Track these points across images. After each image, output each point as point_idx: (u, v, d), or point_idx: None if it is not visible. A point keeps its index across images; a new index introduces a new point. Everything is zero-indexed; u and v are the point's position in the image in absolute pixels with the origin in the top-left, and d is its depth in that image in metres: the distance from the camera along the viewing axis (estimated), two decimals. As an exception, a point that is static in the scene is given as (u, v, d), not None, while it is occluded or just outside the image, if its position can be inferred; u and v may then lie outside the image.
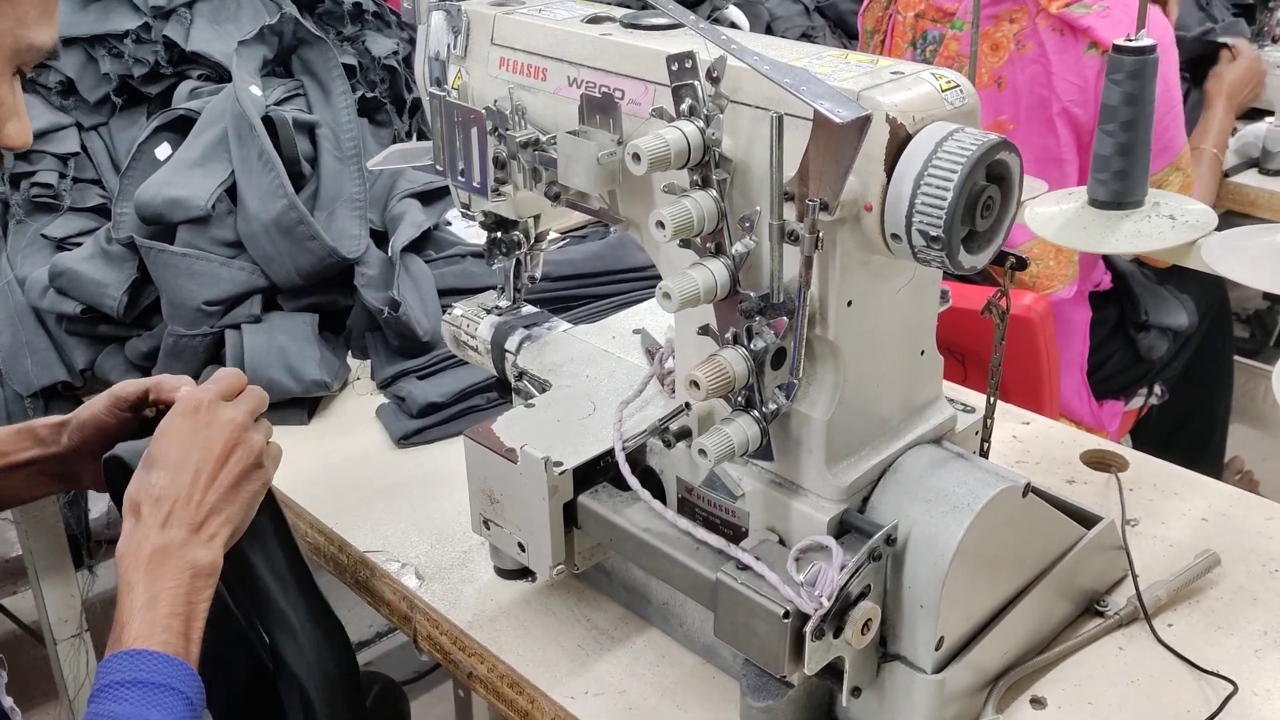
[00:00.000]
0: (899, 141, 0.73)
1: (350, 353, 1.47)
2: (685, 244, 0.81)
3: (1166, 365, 2.11)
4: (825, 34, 2.73)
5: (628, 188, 0.88)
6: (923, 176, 0.71)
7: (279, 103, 1.58)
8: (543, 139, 0.91)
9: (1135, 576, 1.04)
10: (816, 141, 0.71)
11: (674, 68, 0.78)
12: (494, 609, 1.06)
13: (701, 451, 0.80)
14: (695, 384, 0.79)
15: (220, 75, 1.71)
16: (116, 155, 1.64)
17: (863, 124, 0.69)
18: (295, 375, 1.34)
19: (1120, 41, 1.07)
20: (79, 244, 1.51)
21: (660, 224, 0.77)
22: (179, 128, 1.56)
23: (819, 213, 0.73)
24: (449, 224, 1.63)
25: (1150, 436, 2.34)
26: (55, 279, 1.42)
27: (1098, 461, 1.25)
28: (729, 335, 0.82)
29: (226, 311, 1.39)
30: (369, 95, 1.74)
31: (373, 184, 1.60)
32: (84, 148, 1.66)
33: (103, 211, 1.60)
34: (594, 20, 0.92)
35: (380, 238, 1.55)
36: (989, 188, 0.73)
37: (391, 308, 1.38)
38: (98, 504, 2.70)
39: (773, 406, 0.81)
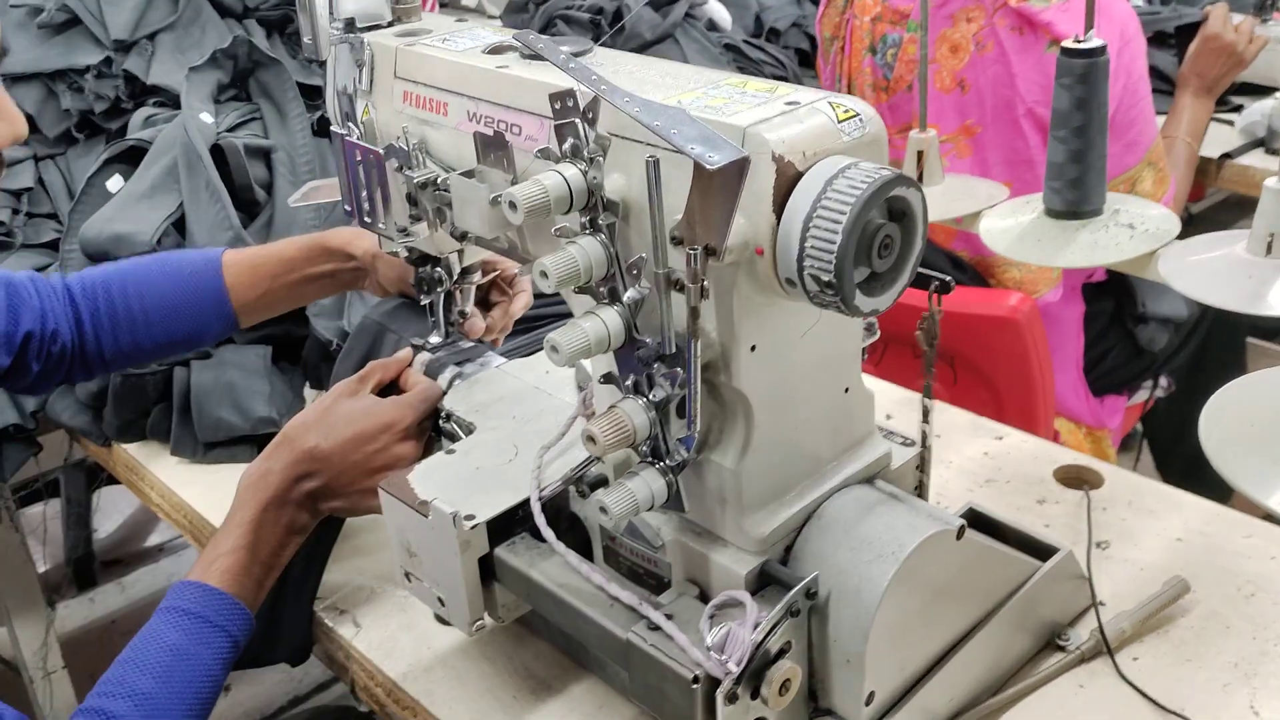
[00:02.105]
0: (788, 180, 0.68)
1: (307, 384, 1.44)
2: (583, 290, 0.77)
3: (1171, 356, 2.04)
4: (815, 22, 2.66)
5: (529, 227, 0.84)
6: (811, 217, 0.67)
7: (234, 128, 1.55)
8: (441, 180, 0.87)
9: (1098, 607, 0.99)
10: (698, 185, 0.67)
11: (556, 106, 0.73)
12: (430, 658, 1.02)
13: (602, 509, 0.76)
14: (592, 439, 0.75)
15: (179, 104, 1.69)
16: (74, 187, 1.62)
17: (740, 167, 0.64)
18: (243, 413, 1.31)
19: (1068, 44, 1.01)
20: (31, 282, 1.49)
21: (544, 274, 0.72)
22: (132, 158, 1.54)
23: (708, 259, 0.68)
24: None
25: (1161, 430, 2.27)
26: (1, 321, 1.40)
27: (1071, 478, 1.20)
28: (630, 384, 0.77)
29: (175, 348, 1.37)
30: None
31: (334, 208, 1.57)
32: (40, 181, 1.64)
33: (57, 247, 1.57)
34: (495, 50, 0.88)
35: (340, 262, 1.51)
36: (886, 226, 0.68)
37: (341, 339, 1.35)
38: (104, 524, 2.72)
39: (678, 458, 0.77)
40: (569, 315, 1.48)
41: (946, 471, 1.22)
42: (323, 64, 1.87)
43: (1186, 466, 2.06)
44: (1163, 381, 2.07)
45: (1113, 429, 1.97)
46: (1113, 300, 1.93)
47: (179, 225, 1.42)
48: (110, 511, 2.71)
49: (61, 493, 2.47)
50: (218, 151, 1.46)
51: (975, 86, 1.60)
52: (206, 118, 1.50)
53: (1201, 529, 1.11)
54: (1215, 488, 1.15)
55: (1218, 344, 2.14)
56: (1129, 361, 1.98)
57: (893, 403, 1.31)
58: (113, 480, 2.42)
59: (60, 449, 1.70)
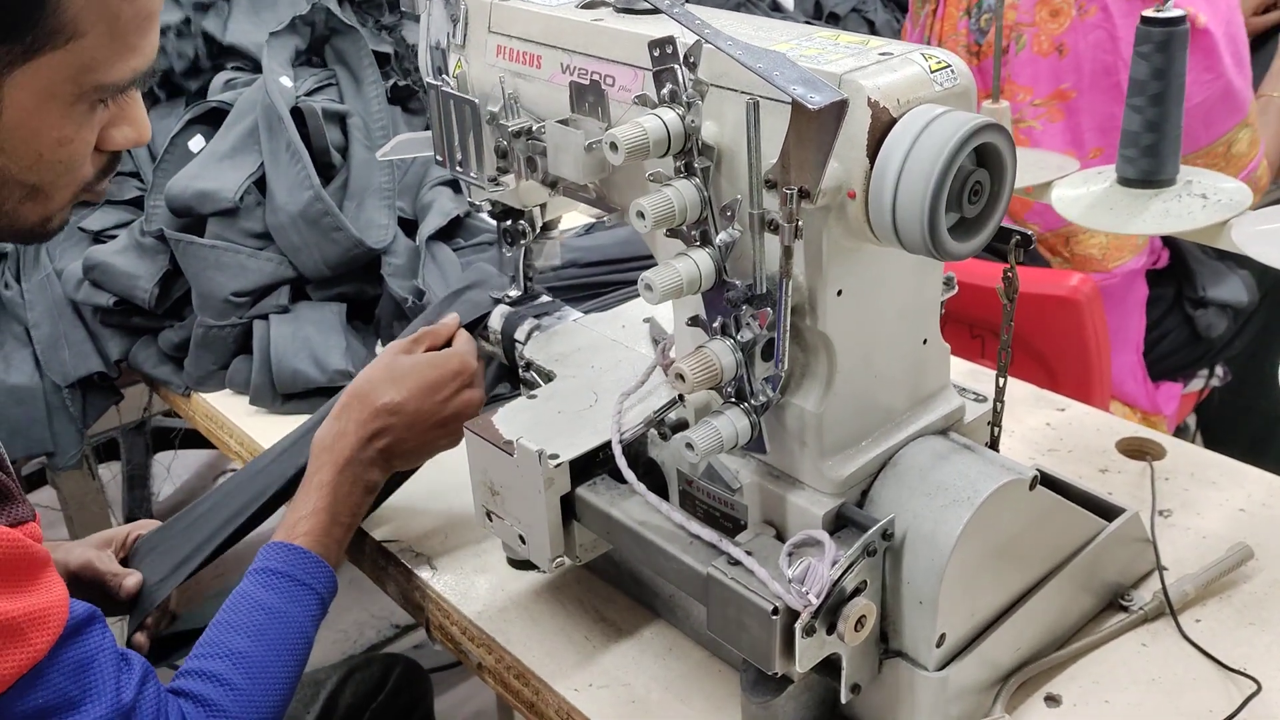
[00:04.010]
0: (882, 126, 0.70)
1: (380, 341, 1.48)
2: (673, 233, 0.80)
3: (1228, 344, 2.03)
4: (877, 6, 2.67)
5: (620, 176, 0.87)
6: (906, 161, 0.69)
7: (311, 93, 1.59)
8: (535, 128, 0.89)
9: (1162, 570, 1.00)
10: (795, 128, 0.69)
11: (655, 53, 0.76)
12: (504, 600, 1.05)
13: (689, 445, 0.78)
14: (681, 376, 0.78)
15: (257, 67, 1.73)
16: (155, 147, 1.66)
17: (839, 109, 0.66)
18: (320, 365, 1.35)
19: (1148, 12, 1.02)
20: (115, 236, 1.54)
21: (640, 214, 0.75)
22: (213, 119, 1.58)
23: (801, 201, 0.71)
24: (481, 211, 1.63)
25: (1216, 420, 2.26)
26: (89, 272, 1.45)
27: (1134, 450, 1.21)
28: (717, 325, 0.80)
29: (255, 302, 1.41)
30: (401, 84, 1.74)
31: (405, 172, 1.61)
32: (123, 141, 1.69)
33: (139, 204, 1.62)
34: (589, 5, 0.91)
35: (412, 226, 1.55)
36: (976, 172, 0.70)
37: (416, 297, 1.38)
38: (164, 488, 2.78)
39: (763, 399, 0.79)
40: (630, 283, 1.51)
41: (1009, 440, 1.24)
42: (390, 29, 1.92)
43: (1242, 456, 2.06)
44: (1219, 371, 2.06)
45: (1168, 415, 1.97)
46: (1173, 286, 1.93)
47: (259, 184, 1.45)
48: (167, 477, 2.77)
49: (122, 455, 2.53)
50: (296, 114, 1.50)
51: (1074, 51, 1.60)
52: (286, 81, 1.53)
53: (1265, 500, 1.12)
54: (1276, 471, 1.16)
55: (1277, 333, 2.13)
56: (1186, 347, 1.97)
57: (955, 374, 1.33)
58: (170, 445, 2.49)
59: (139, 403, 1.74)
